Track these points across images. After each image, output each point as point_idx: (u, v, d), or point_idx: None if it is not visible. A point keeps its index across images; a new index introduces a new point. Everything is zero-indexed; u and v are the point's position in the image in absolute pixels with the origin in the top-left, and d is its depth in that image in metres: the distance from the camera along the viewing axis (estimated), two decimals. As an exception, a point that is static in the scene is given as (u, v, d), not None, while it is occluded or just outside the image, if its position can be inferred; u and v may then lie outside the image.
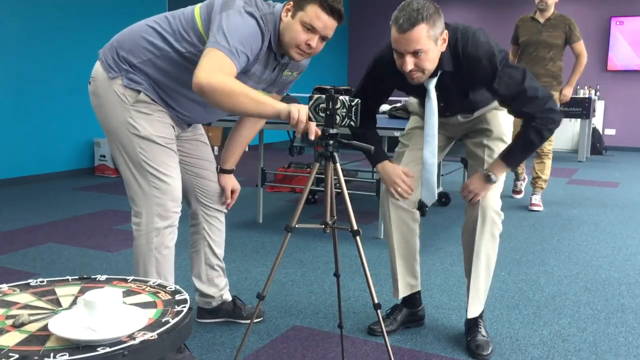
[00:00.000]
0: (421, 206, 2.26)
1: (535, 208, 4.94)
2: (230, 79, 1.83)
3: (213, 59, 1.84)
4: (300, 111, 1.78)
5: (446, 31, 1.98)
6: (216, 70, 1.81)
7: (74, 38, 6.20)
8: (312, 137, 1.81)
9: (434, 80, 2.05)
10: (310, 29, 1.96)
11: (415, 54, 1.93)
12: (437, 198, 2.23)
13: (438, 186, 2.55)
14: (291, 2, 2.01)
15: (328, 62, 10.54)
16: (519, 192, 5.55)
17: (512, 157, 2.17)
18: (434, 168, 2.15)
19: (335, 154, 1.88)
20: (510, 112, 2.20)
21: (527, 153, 2.17)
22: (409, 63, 1.95)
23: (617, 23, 9.68)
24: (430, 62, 1.97)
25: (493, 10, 10.23)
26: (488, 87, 2.06)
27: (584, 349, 2.33)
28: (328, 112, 1.85)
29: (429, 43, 1.92)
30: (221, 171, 2.38)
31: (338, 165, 1.89)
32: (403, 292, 2.44)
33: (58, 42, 6.06)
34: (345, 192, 1.90)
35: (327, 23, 1.97)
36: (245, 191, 5.49)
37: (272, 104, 1.83)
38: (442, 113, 2.26)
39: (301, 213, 1.88)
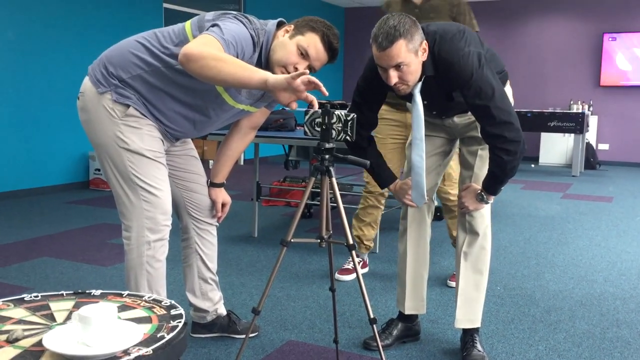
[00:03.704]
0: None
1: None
2: (216, 50, 1.81)
3: (203, 39, 1.84)
4: (302, 81, 1.71)
5: (425, 41, 2.00)
6: (205, 44, 1.81)
7: (68, 52, 6.21)
8: (315, 106, 1.77)
9: (419, 85, 2.07)
10: (303, 54, 1.99)
11: (398, 67, 1.96)
12: (426, 200, 2.26)
13: (436, 200, 2.57)
14: (292, 25, 2.04)
15: (323, 76, 10.58)
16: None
17: (488, 187, 2.19)
18: (423, 171, 2.17)
19: (331, 168, 1.89)
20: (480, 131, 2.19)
21: (498, 183, 2.17)
22: (393, 77, 1.98)
23: (610, 39, 9.78)
24: (413, 73, 2.00)
25: (495, 24, 10.32)
26: (461, 92, 2.07)
27: (579, 364, 2.33)
28: (324, 127, 1.86)
29: (409, 56, 1.94)
30: (211, 185, 2.38)
31: (334, 179, 1.89)
32: (410, 310, 2.47)
33: (53, 55, 6.07)
34: (341, 206, 1.91)
35: (320, 55, 2.01)
36: (241, 205, 5.48)
37: (258, 71, 1.78)
38: (436, 115, 2.28)
39: (296, 227, 1.88)
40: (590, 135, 9.74)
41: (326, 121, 1.85)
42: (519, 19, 10.40)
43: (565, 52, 10.15)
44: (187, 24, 2.03)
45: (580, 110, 8.95)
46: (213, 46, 1.82)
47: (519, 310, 2.92)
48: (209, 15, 2.00)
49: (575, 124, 8.34)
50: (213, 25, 1.91)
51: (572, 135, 8.86)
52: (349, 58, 11.46)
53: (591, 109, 9.82)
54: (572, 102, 9.70)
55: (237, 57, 1.92)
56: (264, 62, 2.04)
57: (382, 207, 3.44)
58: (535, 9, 10.25)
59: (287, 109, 4.42)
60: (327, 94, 1.71)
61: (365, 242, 3.44)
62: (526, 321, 2.77)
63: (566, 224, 5.05)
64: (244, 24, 1.96)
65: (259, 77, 1.76)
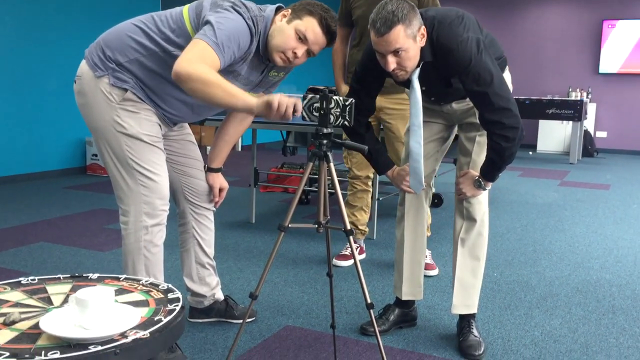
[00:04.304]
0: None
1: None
2: (209, 69, 1.83)
3: (196, 49, 1.84)
4: (280, 104, 1.80)
5: (424, 27, 1.99)
6: (197, 60, 1.82)
7: (65, 37, 6.17)
8: (297, 114, 1.84)
9: (417, 71, 2.05)
10: (302, 38, 1.99)
11: (396, 52, 1.95)
12: (423, 186, 2.25)
13: (433, 187, 2.56)
14: (289, 10, 2.02)
15: (321, 62, 10.53)
16: None
17: (486, 173, 2.19)
18: (421, 157, 2.16)
19: (329, 154, 1.88)
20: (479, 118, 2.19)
21: (496, 170, 2.17)
22: (392, 62, 1.97)
23: (609, 26, 9.74)
24: (411, 59, 1.98)
25: (494, 11, 10.27)
26: (459, 78, 2.06)
27: (575, 350, 2.34)
28: (322, 112, 1.85)
29: (407, 42, 1.93)
30: (209, 170, 2.37)
31: (332, 165, 1.89)
32: (407, 295, 2.47)
33: (49, 40, 6.03)
34: (339, 191, 1.90)
35: (318, 38, 2.00)
36: (238, 191, 5.48)
37: (244, 97, 1.85)
38: (435, 101, 2.27)
39: (294, 213, 1.88)
40: (589, 123, 9.73)
41: (324, 106, 1.84)
42: (518, 5, 10.35)
43: (564, 39, 10.12)
44: (185, 10, 2.01)
45: (578, 98, 8.94)
46: (206, 59, 1.84)
47: (515, 296, 2.93)
48: (207, 3, 1.98)
49: (573, 111, 8.33)
50: (207, 23, 1.89)
51: (570, 122, 8.86)
52: (347, 44, 11.39)
53: (589, 96, 9.81)
54: (570, 90, 9.69)
55: (234, 55, 1.93)
56: (262, 49, 2.03)
57: (371, 190, 3.44)
58: (535, -5, 10.19)
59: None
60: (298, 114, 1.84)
61: (360, 227, 3.45)
62: (522, 307, 2.78)
63: (563, 211, 5.06)
64: (241, 14, 1.94)
65: (244, 104, 1.86)
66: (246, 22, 1.94)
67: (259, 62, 2.08)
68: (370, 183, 3.42)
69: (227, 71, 1.96)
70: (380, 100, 3.19)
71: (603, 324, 2.61)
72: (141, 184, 2.04)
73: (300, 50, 1.99)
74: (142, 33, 2.02)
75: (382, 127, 3.29)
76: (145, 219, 2.05)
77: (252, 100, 1.85)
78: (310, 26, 1.98)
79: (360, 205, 3.43)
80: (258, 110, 1.84)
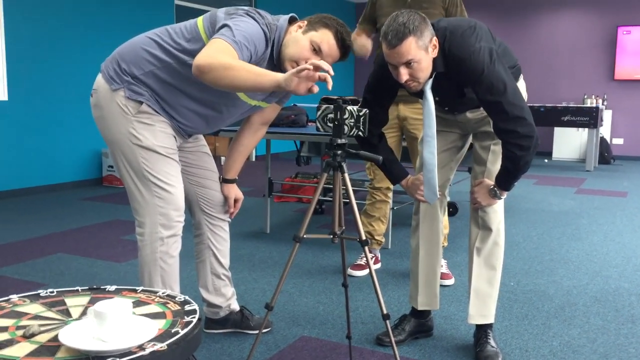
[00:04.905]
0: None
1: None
2: (229, 57, 1.81)
3: (215, 45, 1.84)
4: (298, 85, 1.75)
5: (435, 37, 1.99)
6: (216, 53, 1.81)
7: (81, 49, 6.25)
8: (329, 86, 1.76)
9: (430, 82, 2.06)
10: (316, 50, 1.99)
11: (408, 64, 1.95)
12: (438, 196, 2.24)
13: (448, 195, 2.56)
14: (305, 21, 2.04)
15: (334, 72, 10.57)
16: None
17: (501, 182, 2.18)
18: (434, 167, 2.15)
19: (343, 164, 1.89)
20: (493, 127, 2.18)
21: (511, 179, 2.15)
22: (404, 74, 1.97)
23: (625, 32, 9.67)
24: (424, 71, 1.99)
25: (507, 19, 10.24)
26: (472, 88, 2.05)
27: (594, 360, 2.31)
28: (336, 122, 1.85)
29: (419, 53, 1.94)
30: (224, 181, 2.38)
31: (346, 175, 1.89)
32: (423, 305, 2.46)
33: (66, 53, 6.12)
34: (354, 202, 1.91)
35: (332, 51, 2.01)
36: (253, 201, 5.50)
37: (270, 74, 1.79)
38: (449, 111, 2.27)
39: (309, 223, 1.88)
40: (605, 130, 9.64)
41: (338, 117, 1.85)
42: (531, 12, 10.31)
43: (579, 46, 10.05)
44: (200, 20, 2.04)
45: (594, 105, 8.86)
46: (225, 52, 1.82)
47: (532, 306, 2.90)
48: (221, 12, 2.01)
49: (589, 118, 8.26)
50: (224, 26, 1.91)
51: (586, 129, 8.78)
52: (360, 53, 11.42)
53: (605, 103, 9.72)
54: (586, 97, 9.61)
55: (251, 56, 1.92)
56: (276, 57, 2.04)
57: (390, 201, 3.43)
58: (548, 2, 10.15)
59: (301, 107, 4.42)
60: (330, 87, 1.74)
61: (377, 238, 3.44)
62: (540, 317, 2.76)
63: (580, 219, 5.01)
64: (255, 20, 1.96)
65: (270, 79, 1.78)
66: (261, 28, 1.96)
67: (272, 70, 2.09)
68: (390, 194, 3.42)
69: None
70: (404, 110, 3.19)
71: (622, 334, 2.57)
72: (156, 196, 2.05)
73: None
74: (157, 45, 2.04)
75: (404, 137, 3.29)
76: (160, 230, 2.07)
77: (277, 74, 1.79)
78: (326, 38, 1.99)
79: (378, 215, 3.42)
80: (286, 83, 1.76)
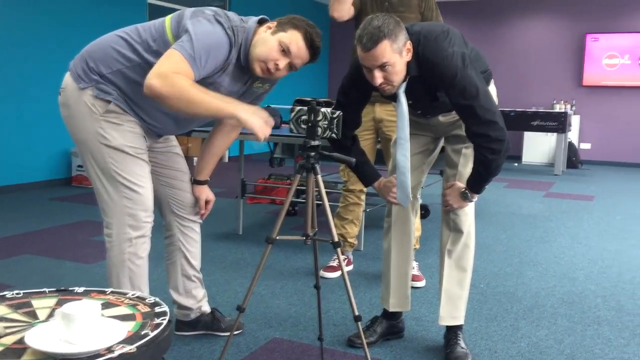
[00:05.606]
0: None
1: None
2: (183, 79, 1.83)
3: (170, 61, 1.84)
4: (258, 124, 1.85)
5: (409, 41, 2.01)
6: (170, 73, 1.81)
7: (50, 47, 6.14)
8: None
9: (403, 86, 2.07)
10: (285, 51, 1.99)
11: (383, 67, 1.97)
12: (411, 199, 2.26)
13: (420, 198, 2.57)
14: (275, 22, 2.03)
15: (308, 73, 10.58)
16: None
17: (472, 185, 2.20)
18: (407, 170, 2.17)
19: (317, 166, 1.89)
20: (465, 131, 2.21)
21: (482, 182, 2.18)
22: (378, 77, 1.99)
23: (593, 39, 9.88)
24: (397, 74, 2.01)
25: (479, 24, 10.38)
26: (445, 92, 2.08)
27: (561, 361, 2.35)
28: (310, 124, 1.86)
29: (393, 56, 1.95)
30: (195, 182, 2.36)
31: (319, 177, 1.89)
32: (394, 307, 2.48)
33: (34, 50, 6.00)
34: (327, 203, 1.91)
35: (301, 52, 2.00)
36: (225, 203, 5.46)
37: (228, 107, 1.88)
38: (421, 114, 2.29)
39: (281, 225, 1.88)
40: (573, 135, 9.83)
41: (312, 118, 1.85)
42: (503, 19, 10.48)
43: (548, 52, 10.24)
44: (167, 20, 2.02)
45: (562, 110, 9.03)
46: (180, 71, 1.83)
47: (501, 307, 2.95)
48: (189, 11, 1.99)
49: (557, 123, 8.42)
50: (186, 32, 1.89)
51: (555, 134, 8.94)
52: (334, 56, 11.46)
53: (574, 108, 9.92)
54: (555, 102, 9.79)
55: (210, 67, 1.93)
56: (243, 58, 2.03)
57: (363, 204, 3.44)
58: (519, 9, 10.32)
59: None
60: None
61: (349, 240, 3.45)
62: (509, 318, 2.80)
63: (548, 222, 5.10)
64: (220, 23, 1.94)
65: (228, 112, 1.89)
66: (226, 32, 1.94)
67: (241, 73, 2.08)
68: (363, 197, 3.43)
69: (206, 82, 1.96)
70: (380, 112, 3.20)
71: (588, 335, 2.62)
72: (124, 196, 2.03)
73: (282, 63, 1.99)
74: (125, 44, 2.02)
75: (379, 139, 3.30)
76: (129, 231, 2.04)
77: (238, 109, 1.87)
78: (295, 39, 1.98)
79: (351, 218, 3.43)
80: (246, 122, 1.85)
